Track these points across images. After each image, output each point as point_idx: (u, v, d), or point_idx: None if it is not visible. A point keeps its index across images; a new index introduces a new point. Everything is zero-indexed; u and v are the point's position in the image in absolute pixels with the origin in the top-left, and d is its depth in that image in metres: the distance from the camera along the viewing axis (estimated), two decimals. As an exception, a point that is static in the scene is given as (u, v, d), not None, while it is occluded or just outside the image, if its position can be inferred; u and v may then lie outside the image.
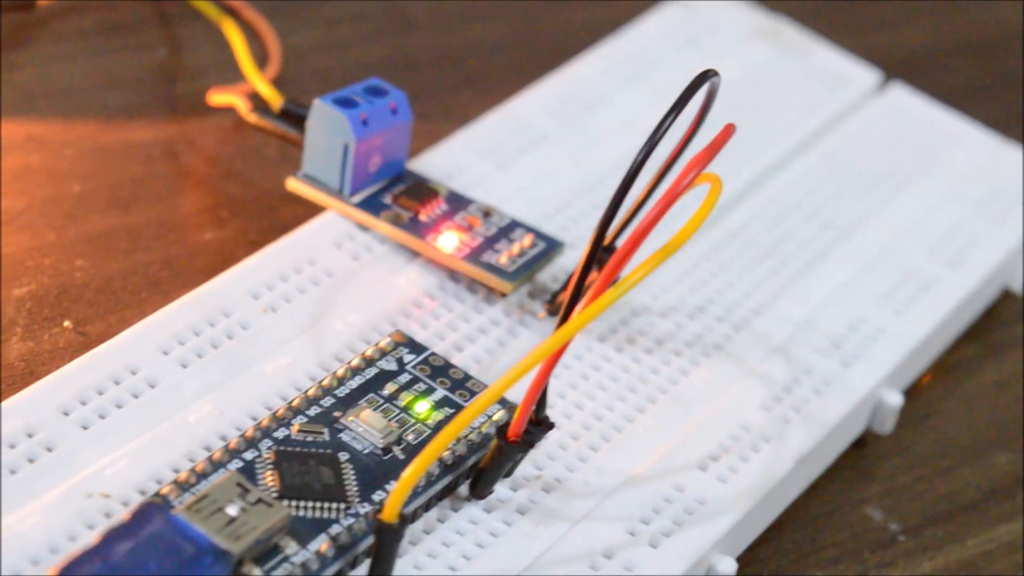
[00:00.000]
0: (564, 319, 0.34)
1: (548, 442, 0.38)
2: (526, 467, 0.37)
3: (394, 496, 0.32)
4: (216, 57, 0.50)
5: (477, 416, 0.32)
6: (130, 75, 0.49)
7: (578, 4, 0.59)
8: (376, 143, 0.42)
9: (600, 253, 0.41)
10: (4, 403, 0.35)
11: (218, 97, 0.47)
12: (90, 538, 0.33)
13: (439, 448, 0.32)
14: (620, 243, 0.41)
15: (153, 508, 0.31)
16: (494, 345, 0.41)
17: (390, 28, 0.55)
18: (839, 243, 0.47)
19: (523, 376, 0.32)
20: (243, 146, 0.48)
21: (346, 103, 0.42)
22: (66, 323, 0.40)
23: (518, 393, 0.35)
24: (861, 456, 0.44)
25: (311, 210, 0.44)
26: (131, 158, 0.46)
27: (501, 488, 0.37)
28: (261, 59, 0.50)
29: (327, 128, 0.42)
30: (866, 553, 0.41)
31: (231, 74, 0.49)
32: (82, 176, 0.45)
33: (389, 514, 0.33)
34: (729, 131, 0.35)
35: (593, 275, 0.41)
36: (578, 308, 0.34)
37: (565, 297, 0.41)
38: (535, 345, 0.41)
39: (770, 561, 0.40)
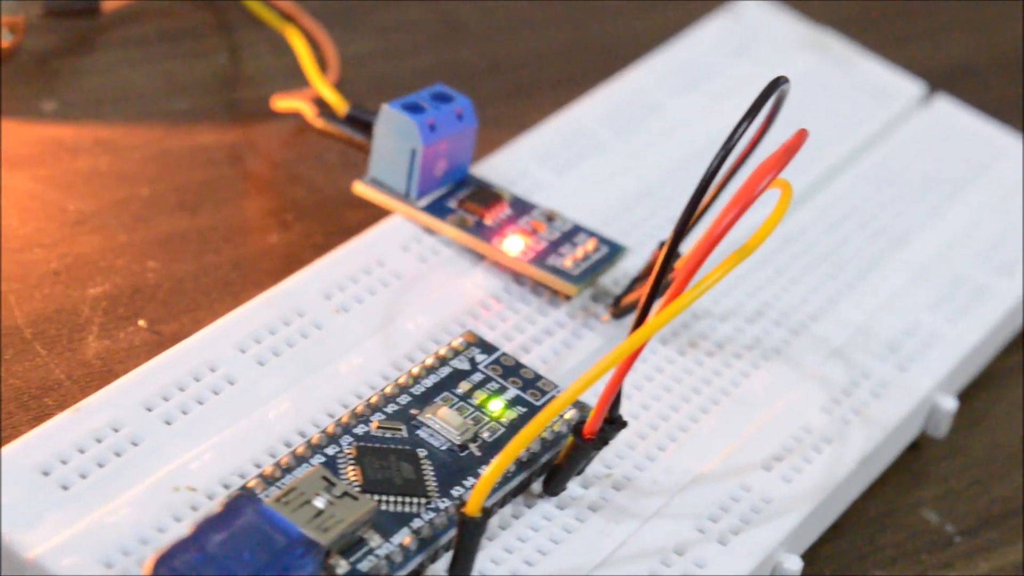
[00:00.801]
0: (640, 321, 0.35)
1: (617, 441, 0.38)
2: (596, 466, 0.38)
3: (477, 490, 0.33)
4: (274, 64, 0.51)
5: (557, 414, 0.33)
6: (192, 81, 0.50)
7: (624, 14, 0.60)
8: (442, 148, 0.43)
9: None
10: (89, 399, 0.36)
11: (282, 103, 0.48)
12: (178, 530, 0.34)
13: (522, 444, 0.33)
14: (681, 248, 0.42)
15: (245, 499, 0.32)
16: (560, 347, 0.41)
17: (442, 36, 0.56)
18: (891, 251, 0.48)
19: (602, 376, 0.33)
20: (304, 151, 0.48)
21: (414, 108, 0.43)
22: (140, 322, 0.41)
23: (585, 393, 0.36)
24: (916, 459, 0.44)
25: (373, 214, 0.44)
26: (196, 162, 0.47)
27: (573, 486, 0.37)
28: (319, 66, 0.51)
29: (395, 133, 0.43)
30: (923, 554, 0.42)
31: (290, 80, 0.50)
32: (150, 179, 0.45)
33: (472, 508, 0.33)
34: (802, 136, 0.36)
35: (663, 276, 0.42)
36: (654, 311, 0.35)
37: (640, 299, 0.41)
38: (600, 347, 0.42)
39: (831, 561, 0.41)
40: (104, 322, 0.41)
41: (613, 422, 0.36)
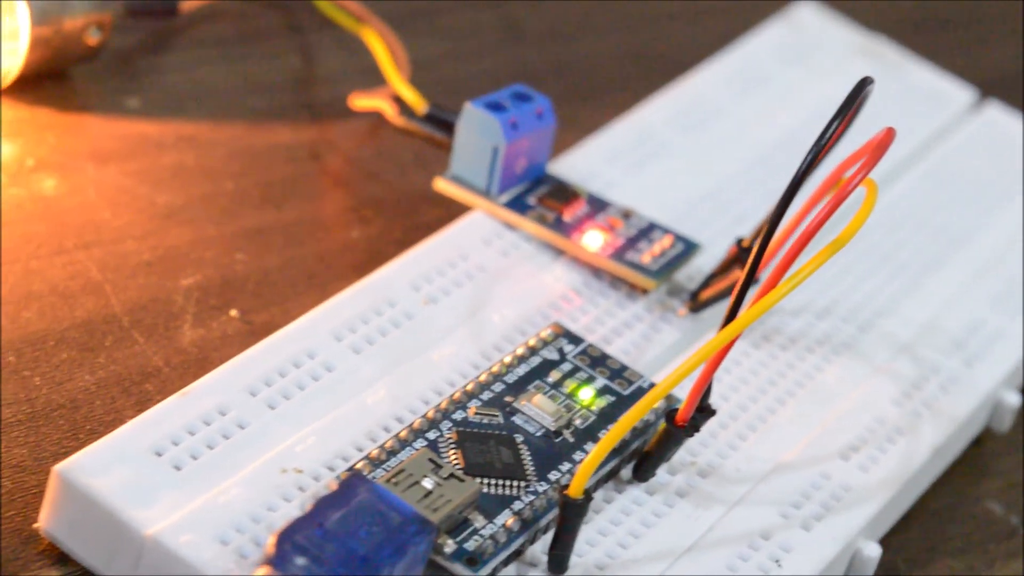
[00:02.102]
0: (732, 315, 0.36)
1: (701, 430, 0.39)
2: (681, 454, 0.39)
3: (579, 474, 0.34)
4: (345, 64, 0.52)
5: (657, 401, 0.34)
6: (267, 80, 0.51)
7: (678, 21, 0.61)
8: (523, 146, 0.44)
9: (740, 254, 0.44)
10: (196, 383, 0.37)
11: (361, 101, 0.49)
12: (288, 509, 0.35)
13: (622, 430, 0.34)
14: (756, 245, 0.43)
15: (358, 479, 0.33)
16: (639, 339, 0.42)
17: (505, 40, 0.57)
18: (951, 251, 0.49)
19: (698, 366, 0.34)
20: (380, 149, 0.50)
21: (496, 107, 0.44)
22: (232, 312, 0.42)
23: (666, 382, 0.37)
24: (979, 453, 0.45)
25: (450, 211, 0.45)
26: (277, 158, 0.48)
27: (660, 473, 0.39)
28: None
29: (477, 131, 0.44)
30: (990, 544, 0.43)
31: (361, 80, 0.51)
32: (234, 174, 0.47)
33: (575, 490, 0.34)
34: (891, 134, 0.37)
35: (735, 274, 0.43)
36: (745, 305, 0.36)
37: (716, 294, 0.43)
38: (677, 340, 0.43)
39: (901, 550, 0.42)
40: (197, 311, 0.42)
41: (703, 410, 0.37)
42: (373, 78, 0.51)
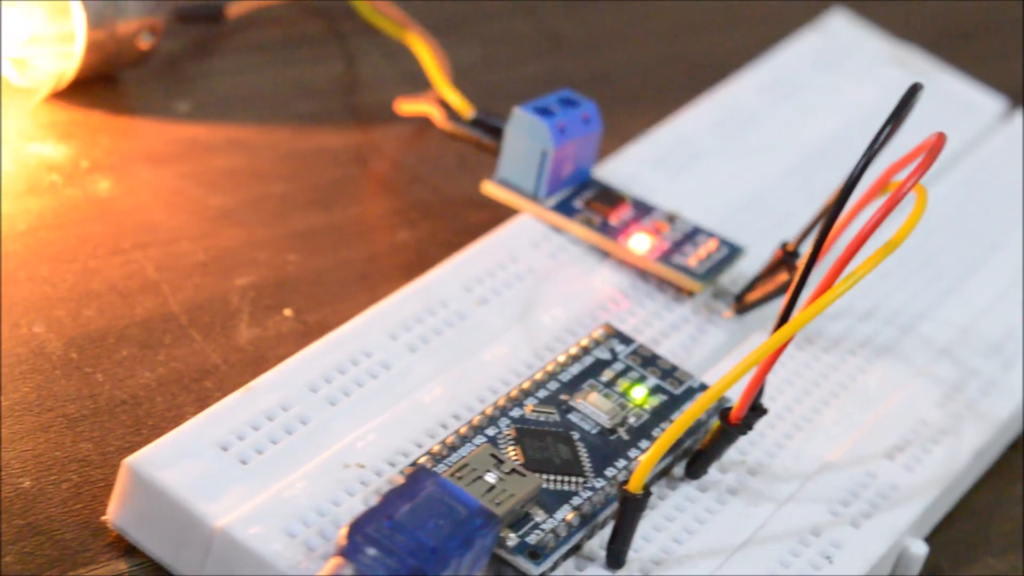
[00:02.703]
0: (786, 316, 0.37)
1: (753, 429, 0.40)
2: (731, 452, 0.40)
3: (639, 470, 0.35)
4: (387, 70, 0.53)
5: (715, 399, 0.35)
6: (312, 85, 0.52)
7: (711, 31, 0.62)
8: (570, 150, 0.45)
9: (785, 257, 0.44)
10: (259, 379, 0.37)
11: (408, 106, 0.50)
12: (351, 503, 0.35)
13: (681, 428, 0.35)
14: (804, 248, 0.44)
15: (424, 473, 0.34)
16: (687, 341, 0.43)
17: (543, 48, 0.58)
18: (986, 257, 0.50)
19: (755, 365, 0.35)
20: (424, 153, 0.50)
21: (544, 112, 0.45)
22: (286, 312, 0.43)
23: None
24: (1015, 455, 0.46)
25: (495, 214, 0.46)
26: (324, 162, 0.48)
27: (711, 470, 0.39)
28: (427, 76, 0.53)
29: (526, 135, 0.45)
30: (1031, 544, 0.44)
31: (403, 85, 0.52)
32: (283, 177, 0.47)
33: (634, 486, 0.35)
34: (942, 139, 0.37)
35: (783, 275, 0.44)
36: (798, 308, 0.36)
37: (774, 298, 0.44)
38: (724, 342, 0.44)
39: (945, 549, 0.42)
40: (253, 311, 0.42)
41: (755, 409, 0.38)
42: (415, 83, 0.52)
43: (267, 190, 0.47)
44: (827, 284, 0.36)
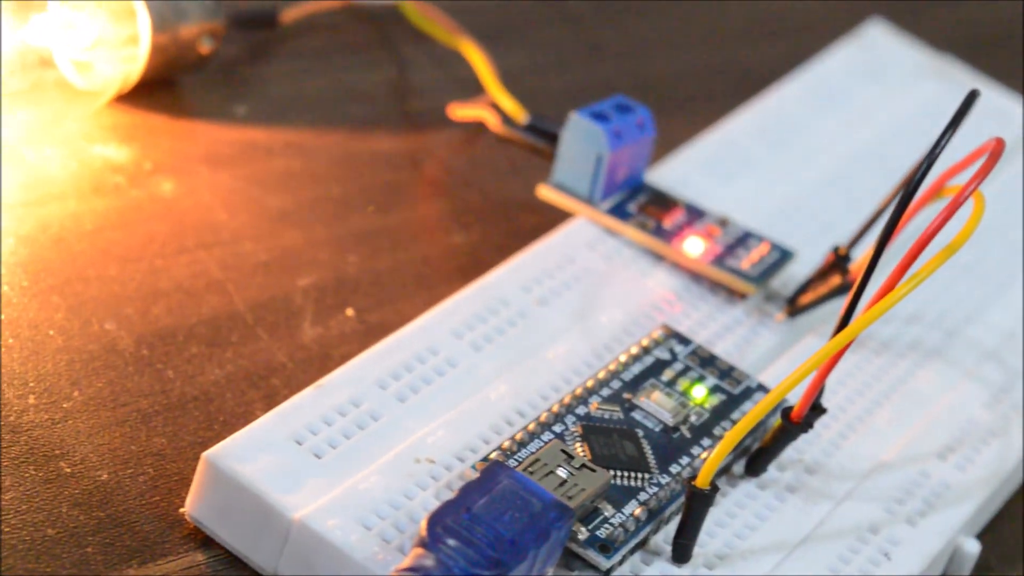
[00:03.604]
0: (845, 321, 0.38)
1: (814, 427, 0.41)
2: (789, 451, 0.41)
3: (707, 466, 0.36)
4: (437, 76, 0.54)
5: (781, 398, 0.36)
6: (365, 90, 0.52)
7: (750, 41, 0.62)
8: (625, 155, 0.46)
9: (837, 261, 0.45)
10: (330, 376, 0.38)
11: (462, 111, 0.50)
12: (423, 497, 0.36)
13: (747, 426, 0.36)
14: (856, 253, 0.45)
15: (499, 467, 0.35)
16: (740, 342, 0.44)
17: (585, 56, 0.58)
18: (1027, 263, 0.51)
19: (817, 367, 0.36)
20: (475, 158, 0.51)
21: (600, 117, 0.45)
22: (348, 311, 0.43)
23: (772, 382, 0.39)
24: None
25: (547, 218, 0.47)
26: (379, 165, 0.49)
27: (770, 469, 0.40)
28: (476, 82, 0.53)
29: (582, 140, 0.45)
30: (1077, 544, 0.44)
31: (454, 91, 0.53)
32: (339, 180, 0.48)
33: (702, 481, 0.36)
34: (1001, 144, 0.38)
35: (835, 279, 0.44)
36: (858, 311, 0.37)
37: (827, 301, 0.44)
38: (776, 344, 0.44)
39: (995, 548, 0.43)
40: (316, 310, 0.43)
41: (815, 408, 0.39)
42: (464, 89, 0.52)
43: (324, 192, 0.47)
44: (889, 287, 0.37)
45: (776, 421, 0.39)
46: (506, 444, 0.37)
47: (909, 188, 0.38)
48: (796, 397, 0.38)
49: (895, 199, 0.45)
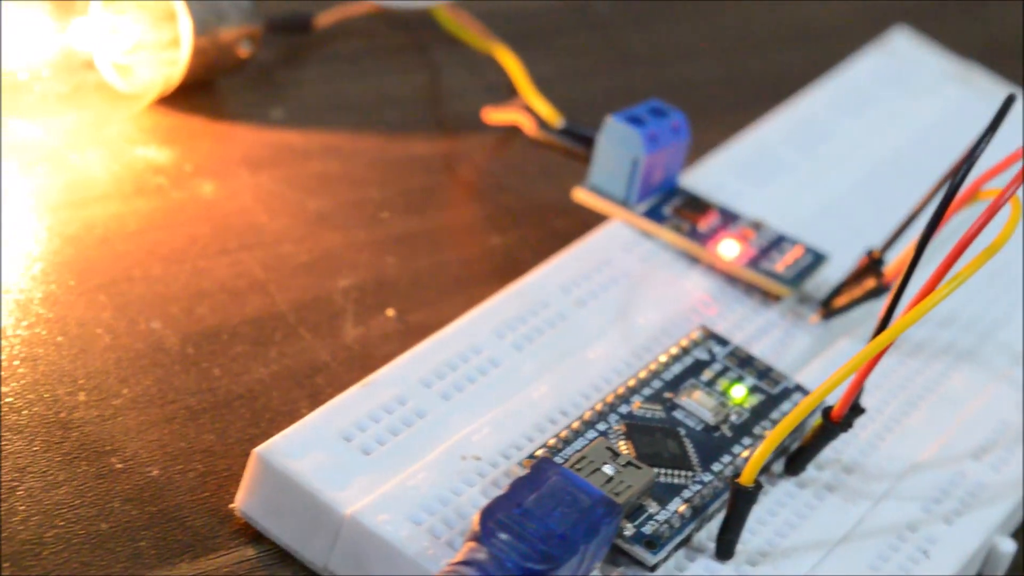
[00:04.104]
0: (885, 323, 0.38)
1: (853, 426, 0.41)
2: (826, 452, 0.41)
3: (751, 464, 0.36)
4: (469, 80, 0.55)
5: (823, 398, 0.36)
6: (398, 94, 0.53)
7: (773, 48, 0.63)
8: (660, 159, 0.46)
9: (871, 264, 0.46)
10: (376, 374, 0.39)
11: (497, 115, 0.51)
12: (471, 494, 0.37)
13: (790, 425, 0.36)
14: (889, 256, 0.45)
15: (548, 464, 0.35)
16: (776, 344, 0.44)
17: (614, 63, 0.59)
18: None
19: (859, 366, 0.36)
20: (509, 162, 0.52)
21: (636, 121, 0.46)
22: (389, 312, 0.44)
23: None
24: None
25: (578, 220, 0.48)
26: (415, 169, 0.50)
27: (808, 468, 0.40)
28: (508, 87, 0.54)
29: (618, 143, 0.46)
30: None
31: (486, 96, 0.53)
32: (377, 183, 0.49)
33: (747, 479, 0.36)
34: (1044, 147, 0.39)
35: (870, 282, 0.45)
36: (897, 314, 0.38)
37: (861, 303, 0.45)
38: (810, 346, 0.45)
39: (1025, 548, 0.44)
40: (357, 311, 0.44)
41: (854, 408, 0.39)
42: (496, 94, 0.53)
43: (362, 195, 0.48)
44: (929, 289, 0.37)
45: (816, 421, 0.39)
46: (552, 442, 0.38)
47: (950, 190, 0.38)
48: (834, 398, 0.39)
49: (929, 202, 0.45)
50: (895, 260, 0.45)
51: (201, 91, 0.49)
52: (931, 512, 0.40)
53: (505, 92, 0.53)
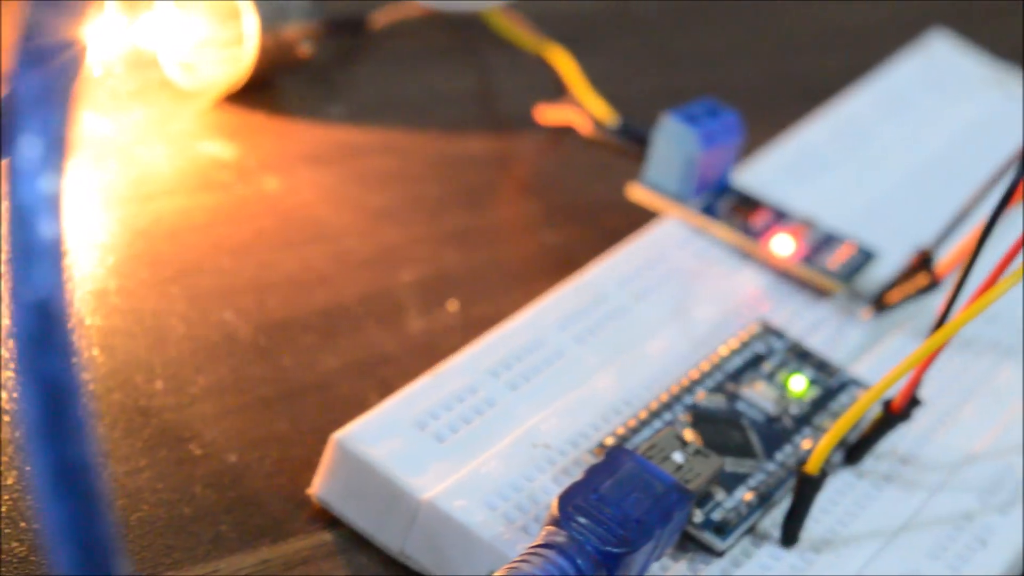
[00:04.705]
0: (945, 318, 0.39)
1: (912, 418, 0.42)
2: (882, 444, 0.42)
3: (817, 453, 0.37)
4: (519, 81, 0.56)
5: (887, 390, 0.37)
6: (451, 93, 0.54)
7: (814, 52, 0.64)
8: (714, 157, 0.47)
9: (924, 261, 0.46)
10: (445, 364, 0.40)
11: (551, 114, 0.52)
12: (542, 480, 0.38)
13: (855, 415, 0.37)
14: (941, 253, 0.46)
15: (622, 451, 0.36)
16: (828, 339, 0.45)
17: (658, 65, 0.60)
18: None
19: (921, 359, 0.37)
20: (560, 160, 0.53)
21: (691, 119, 0.47)
22: (451, 305, 0.45)
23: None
24: None
25: (630, 217, 0.48)
26: (470, 166, 0.51)
27: (866, 460, 0.41)
28: (557, 87, 0.55)
29: (674, 141, 0.47)
30: None
31: (536, 95, 0.54)
32: (434, 179, 0.50)
33: (812, 467, 0.37)
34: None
35: (922, 278, 0.46)
36: (956, 310, 0.39)
37: (913, 299, 0.46)
38: (862, 340, 0.46)
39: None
40: (420, 304, 0.45)
41: (913, 400, 0.40)
42: (545, 94, 0.54)
43: (420, 191, 0.49)
44: (988, 284, 0.38)
45: (877, 413, 0.40)
46: (620, 430, 0.39)
47: (1008, 191, 0.39)
48: (892, 391, 0.39)
49: (980, 201, 0.46)
50: (946, 257, 0.46)
51: (261, 89, 0.50)
52: (986, 503, 0.41)
53: (554, 92, 0.54)
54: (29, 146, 0.21)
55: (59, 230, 0.20)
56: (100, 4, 0.45)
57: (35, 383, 0.21)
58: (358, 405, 0.41)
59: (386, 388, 0.41)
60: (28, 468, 0.21)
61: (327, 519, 0.38)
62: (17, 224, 0.21)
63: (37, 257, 0.21)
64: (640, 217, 0.48)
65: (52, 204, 0.21)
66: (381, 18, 0.54)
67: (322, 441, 0.39)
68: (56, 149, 0.21)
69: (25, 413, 0.21)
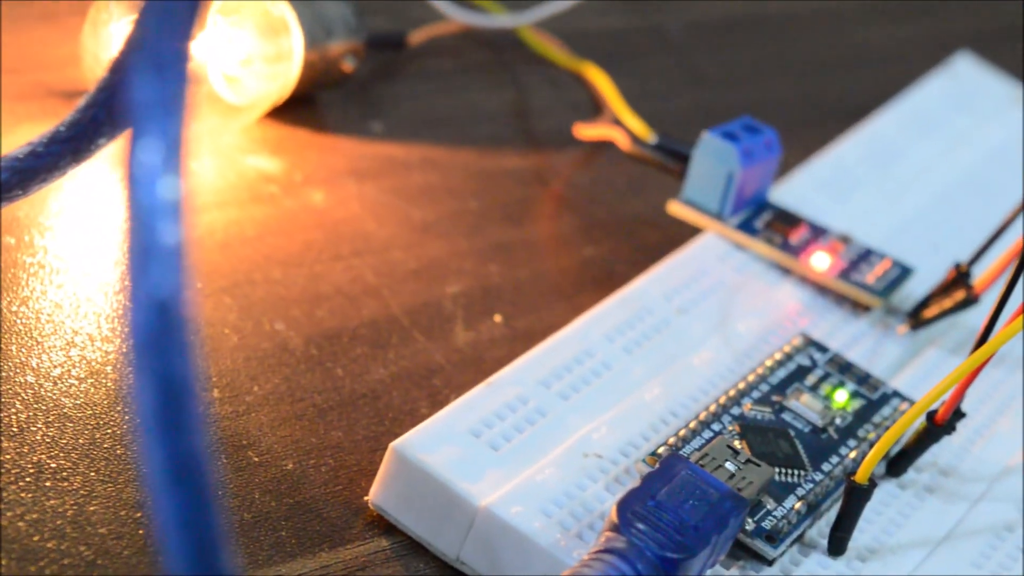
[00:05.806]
0: (988, 334, 0.40)
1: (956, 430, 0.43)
2: (924, 456, 0.43)
3: (867, 462, 0.38)
4: (554, 98, 0.56)
5: (932, 403, 0.38)
6: (488, 110, 0.55)
7: (843, 72, 0.65)
8: (753, 174, 0.48)
9: (959, 277, 0.47)
10: (498, 375, 0.40)
11: (590, 131, 0.53)
12: (595, 489, 0.38)
13: (902, 428, 0.38)
14: (976, 270, 0.47)
15: (676, 459, 0.37)
16: (867, 353, 0.46)
17: (688, 84, 0.61)
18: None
19: (965, 374, 0.38)
20: (597, 176, 0.53)
21: (731, 136, 0.48)
22: (496, 317, 0.46)
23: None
24: None
25: (668, 233, 0.49)
26: (509, 181, 0.51)
27: (908, 471, 0.42)
28: (591, 104, 0.56)
29: (714, 158, 0.48)
30: None
31: (572, 112, 0.55)
32: (475, 194, 0.50)
33: (861, 477, 0.38)
34: None
35: (959, 294, 0.47)
36: (999, 325, 0.39)
37: (950, 315, 0.47)
38: (900, 355, 0.47)
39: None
40: (466, 316, 0.45)
41: (956, 412, 0.41)
42: (580, 110, 0.55)
43: (462, 206, 0.50)
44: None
45: (921, 424, 0.41)
46: (672, 440, 0.39)
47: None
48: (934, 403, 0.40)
49: (1016, 218, 0.47)
50: (985, 273, 0.46)
51: (304, 103, 0.51)
52: (1025, 514, 0.42)
53: (589, 109, 0.55)
54: (149, 151, 0.21)
55: (180, 233, 0.21)
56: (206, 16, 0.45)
57: (153, 382, 0.21)
58: (409, 414, 0.41)
59: (436, 398, 0.42)
60: (143, 465, 0.22)
61: (383, 526, 0.38)
62: (138, 226, 0.21)
63: (157, 259, 0.21)
64: (678, 232, 0.49)
65: (173, 207, 0.21)
66: (419, 35, 0.55)
67: (376, 449, 0.40)
68: (174, 154, 0.22)
69: (143, 410, 0.21)
